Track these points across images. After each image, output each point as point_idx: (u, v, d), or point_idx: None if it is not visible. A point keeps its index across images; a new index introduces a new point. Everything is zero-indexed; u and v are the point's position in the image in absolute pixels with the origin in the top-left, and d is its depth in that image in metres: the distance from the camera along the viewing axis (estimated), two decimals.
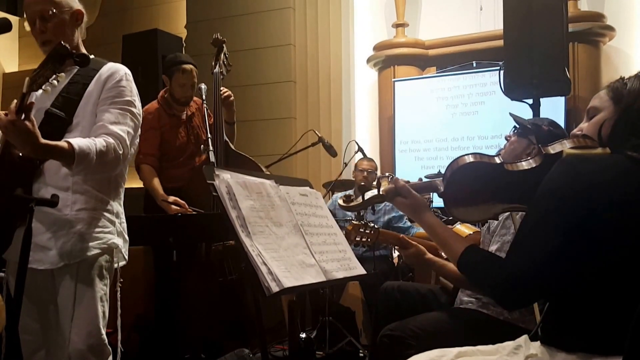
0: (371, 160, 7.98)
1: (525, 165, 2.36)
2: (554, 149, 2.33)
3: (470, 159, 2.41)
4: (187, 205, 5.44)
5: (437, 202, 5.41)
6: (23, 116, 2.97)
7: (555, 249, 2.09)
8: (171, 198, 5.49)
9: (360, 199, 2.58)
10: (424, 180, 2.70)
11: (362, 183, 7.65)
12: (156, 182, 5.78)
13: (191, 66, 5.97)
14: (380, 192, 2.57)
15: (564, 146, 2.30)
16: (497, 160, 2.41)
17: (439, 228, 2.51)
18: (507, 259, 2.21)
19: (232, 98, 6.01)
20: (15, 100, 3.02)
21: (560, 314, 2.21)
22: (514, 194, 2.40)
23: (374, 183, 2.70)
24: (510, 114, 4.01)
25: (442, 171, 7.38)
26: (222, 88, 5.99)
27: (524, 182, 2.33)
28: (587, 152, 2.21)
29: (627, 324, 1.99)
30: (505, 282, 2.16)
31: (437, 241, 2.52)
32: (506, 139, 4.07)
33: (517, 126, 4.01)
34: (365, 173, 7.67)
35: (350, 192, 7.69)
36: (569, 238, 2.08)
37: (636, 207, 2.08)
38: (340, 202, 2.58)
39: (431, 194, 8.62)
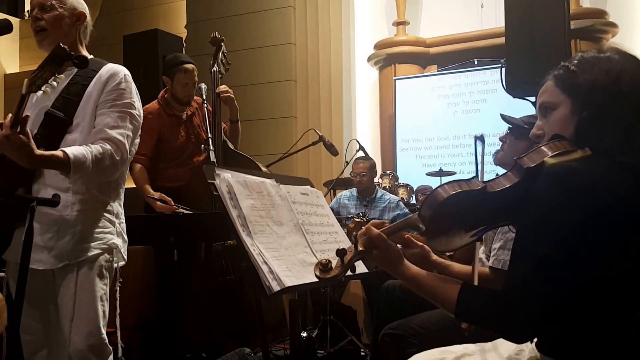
0: (367, 159, 7.90)
1: (506, 182, 2.21)
2: (532, 160, 2.18)
3: (448, 191, 2.23)
4: (172, 202, 5.44)
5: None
6: (18, 129, 2.97)
7: (554, 269, 2.02)
8: (156, 194, 5.53)
9: (339, 265, 2.33)
10: (403, 219, 2.55)
11: (359, 185, 7.69)
12: (145, 179, 5.84)
13: (192, 65, 6.01)
14: (359, 249, 2.34)
15: (543, 154, 2.17)
16: (477, 184, 2.26)
17: (423, 278, 2.31)
18: (506, 289, 2.10)
19: (230, 95, 6.00)
20: (10, 115, 3.01)
21: (559, 325, 2.12)
22: (499, 214, 2.28)
23: (354, 234, 2.47)
24: (501, 115, 3.97)
25: (443, 169, 7.37)
26: (221, 86, 5.99)
27: (507, 201, 2.20)
28: (569, 159, 2.11)
29: (627, 334, 2.00)
30: (510, 314, 2.06)
31: (424, 293, 2.30)
32: (501, 140, 4.02)
33: (511, 128, 3.97)
34: (359, 177, 7.65)
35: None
36: (566, 256, 2.01)
37: (635, 217, 2.02)
38: (317, 273, 2.41)
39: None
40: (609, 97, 2.14)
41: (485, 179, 2.32)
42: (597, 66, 2.20)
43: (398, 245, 2.61)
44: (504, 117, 3.96)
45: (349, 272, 2.36)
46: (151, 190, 5.68)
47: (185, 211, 5.33)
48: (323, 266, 2.33)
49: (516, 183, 2.18)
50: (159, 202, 5.45)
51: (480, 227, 2.30)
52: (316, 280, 2.32)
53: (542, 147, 2.19)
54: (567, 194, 2.01)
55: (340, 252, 2.32)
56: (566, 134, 2.21)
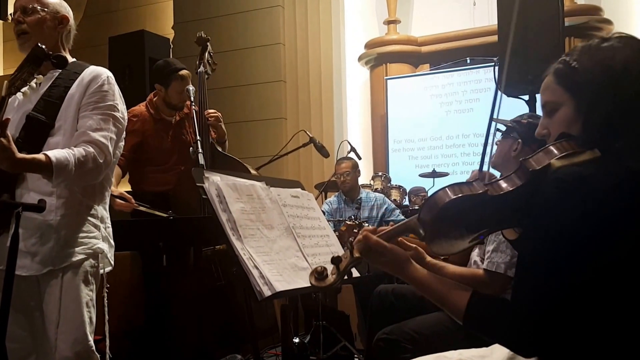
0: (348, 159, 7.88)
1: (509, 185, 2.13)
2: (538, 162, 2.08)
3: (449, 195, 2.15)
4: (133, 200, 5.39)
5: None
6: None
7: (563, 280, 1.94)
8: (117, 191, 5.45)
9: (335, 272, 2.30)
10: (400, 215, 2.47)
11: (343, 186, 7.66)
12: (116, 180, 5.69)
13: (187, 71, 5.96)
14: (355, 256, 2.31)
15: (549, 156, 2.07)
16: (478, 187, 2.16)
17: (429, 281, 2.25)
18: (513, 300, 2.03)
19: (219, 122, 5.96)
20: None
21: (570, 339, 2.02)
22: (502, 218, 2.20)
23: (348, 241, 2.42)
24: (494, 119, 3.94)
25: (437, 170, 7.34)
26: (210, 111, 5.95)
27: (511, 204, 2.12)
28: (576, 161, 2.01)
29: (631, 345, 1.95)
30: (519, 326, 1.98)
31: (431, 296, 2.24)
32: (496, 144, 4.00)
33: (504, 130, 3.94)
34: (342, 177, 7.61)
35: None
36: (574, 265, 1.93)
37: None
38: (313, 281, 2.33)
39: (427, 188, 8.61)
40: (615, 97, 2.03)
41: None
42: (600, 61, 2.08)
43: None
44: (498, 120, 3.92)
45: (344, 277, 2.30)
46: (114, 189, 5.56)
47: (148, 210, 5.28)
48: (318, 274, 2.29)
49: (520, 186, 2.10)
50: (118, 200, 5.37)
51: (483, 230, 2.23)
52: (308, 285, 2.27)
53: (549, 148, 2.10)
54: (574, 201, 1.93)
55: (336, 260, 2.28)
56: (573, 132, 2.11)
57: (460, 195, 2.13)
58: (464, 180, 2.23)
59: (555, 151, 2.07)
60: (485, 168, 3.23)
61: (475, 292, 2.13)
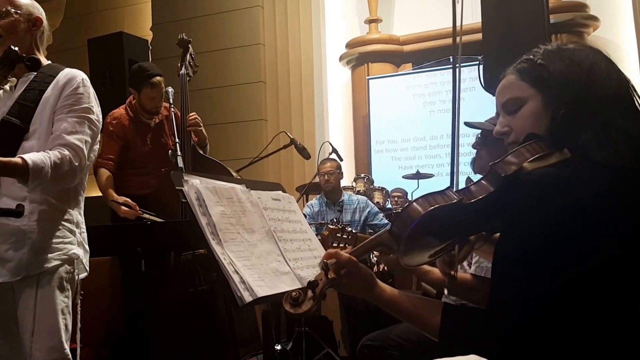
0: (333, 160, 7.86)
1: (482, 192, 2.11)
2: (508, 166, 2.07)
3: (424, 207, 2.10)
4: (137, 207, 5.43)
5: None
6: None
7: (539, 286, 1.91)
8: (121, 199, 5.50)
9: (311, 297, 2.21)
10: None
11: (326, 186, 7.63)
12: (109, 184, 5.83)
13: (159, 78, 5.93)
14: (330, 277, 2.23)
15: (520, 159, 2.06)
16: (452, 196, 2.11)
17: (398, 300, 2.20)
18: (491, 309, 2.00)
19: (199, 126, 5.93)
20: None
21: (550, 344, 1.98)
22: (475, 225, 2.21)
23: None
24: (466, 123, 3.87)
25: (420, 171, 7.27)
26: (190, 114, 5.92)
27: (484, 211, 2.09)
28: (548, 164, 2.01)
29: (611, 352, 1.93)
30: (497, 335, 1.96)
31: (402, 316, 2.19)
32: (474, 147, 3.92)
33: (482, 134, 3.86)
34: (326, 176, 7.59)
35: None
36: (551, 270, 1.90)
37: (620, 221, 1.94)
38: (288, 308, 2.25)
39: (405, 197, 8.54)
40: (584, 90, 2.05)
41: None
42: (568, 58, 2.11)
43: (375, 252, 2.49)
44: (470, 125, 3.84)
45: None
46: (115, 195, 5.64)
47: (151, 217, 5.25)
48: (294, 300, 2.20)
49: (492, 192, 2.08)
50: (123, 207, 5.40)
51: (454, 238, 2.24)
52: (290, 289, 2.20)
53: (519, 150, 2.09)
54: (548, 204, 1.92)
55: (312, 284, 2.20)
56: (539, 130, 2.12)
57: (435, 206, 2.08)
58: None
59: (527, 154, 2.06)
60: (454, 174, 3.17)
61: (447, 306, 2.10)
